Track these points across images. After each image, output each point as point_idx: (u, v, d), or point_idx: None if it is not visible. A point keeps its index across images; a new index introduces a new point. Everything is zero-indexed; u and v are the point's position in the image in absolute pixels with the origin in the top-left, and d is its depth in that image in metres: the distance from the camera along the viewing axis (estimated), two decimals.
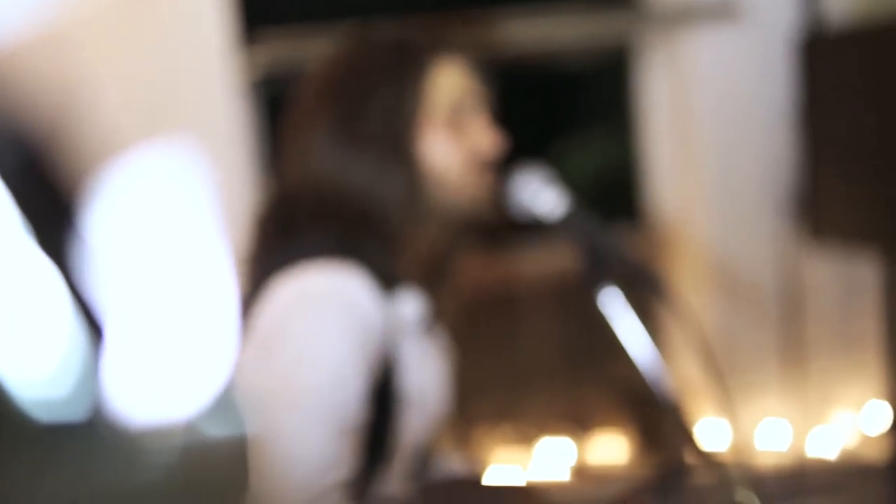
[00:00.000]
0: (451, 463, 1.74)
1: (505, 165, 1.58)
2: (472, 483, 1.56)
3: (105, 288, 0.48)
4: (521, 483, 1.73)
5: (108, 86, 2.11)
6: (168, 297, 0.52)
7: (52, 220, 0.46)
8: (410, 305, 1.50)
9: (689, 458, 1.37)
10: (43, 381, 0.44)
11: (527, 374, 3.04)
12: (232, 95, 2.49)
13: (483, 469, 1.82)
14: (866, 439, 2.88)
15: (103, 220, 0.49)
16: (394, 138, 1.50)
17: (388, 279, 1.48)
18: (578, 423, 3.00)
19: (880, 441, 2.78)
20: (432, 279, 1.60)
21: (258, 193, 2.60)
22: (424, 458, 1.60)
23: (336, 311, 1.40)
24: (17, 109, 0.46)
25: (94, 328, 0.47)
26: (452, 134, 1.53)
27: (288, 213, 1.53)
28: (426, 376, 1.54)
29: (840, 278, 2.97)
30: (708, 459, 1.35)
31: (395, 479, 1.52)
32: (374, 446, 1.46)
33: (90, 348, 0.46)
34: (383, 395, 1.47)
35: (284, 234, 1.52)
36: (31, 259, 0.44)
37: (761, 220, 2.93)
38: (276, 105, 2.61)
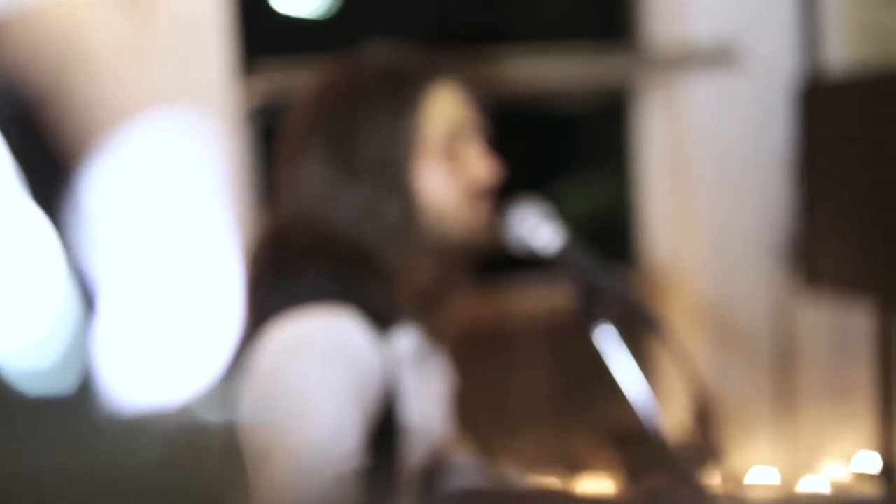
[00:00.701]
0: (465, 471, 1.72)
1: (502, 201, 1.57)
2: (488, 494, 1.55)
3: (102, 259, 0.47)
4: (540, 488, 1.69)
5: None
6: (168, 275, 0.51)
7: (49, 178, 0.45)
8: (408, 337, 1.48)
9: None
10: (29, 350, 0.42)
11: (516, 414, 3.02)
12: (229, 125, 2.49)
13: (499, 474, 1.78)
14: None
15: (103, 188, 0.48)
16: (388, 169, 1.47)
17: (384, 315, 1.46)
18: (567, 465, 2.97)
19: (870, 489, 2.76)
20: (429, 309, 1.58)
21: (254, 224, 2.59)
22: (434, 470, 1.58)
23: (331, 362, 1.38)
24: (15, 66, 0.45)
25: (87, 298, 0.46)
26: (448, 163, 1.50)
27: (281, 249, 1.52)
28: (427, 403, 1.52)
29: (833, 327, 2.96)
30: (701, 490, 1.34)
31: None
32: (379, 478, 1.44)
33: (81, 319, 0.45)
34: (386, 430, 1.45)
35: (278, 272, 1.51)
36: (25, 216, 0.43)
37: (756, 266, 2.92)
38: (272, 135, 2.62)
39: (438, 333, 1.58)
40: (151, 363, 0.49)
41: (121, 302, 0.48)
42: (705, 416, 1.52)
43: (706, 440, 1.51)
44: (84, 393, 0.45)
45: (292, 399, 1.37)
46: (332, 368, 1.38)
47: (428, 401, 1.52)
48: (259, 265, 1.53)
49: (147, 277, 0.51)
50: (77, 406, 0.45)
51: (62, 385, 0.44)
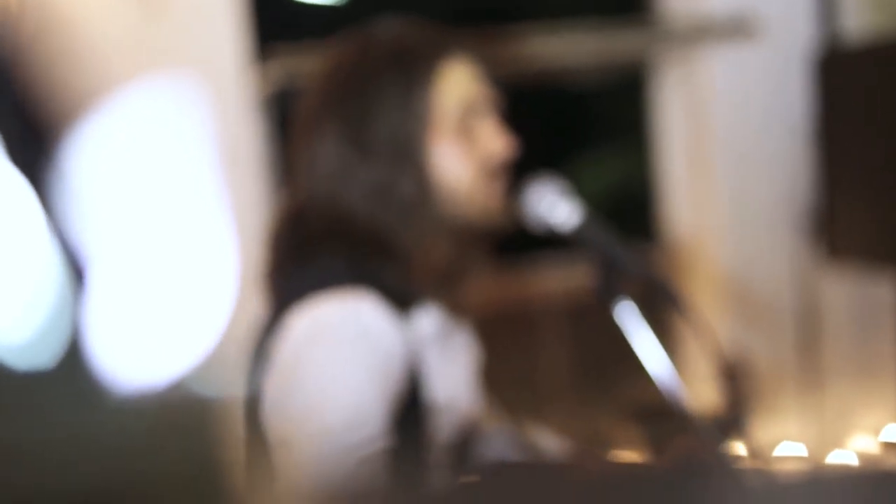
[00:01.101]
0: (499, 440, 1.73)
1: (519, 178, 1.56)
2: (522, 465, 1.55)
3: (91, 230, 0.46)
4: (575, 457, 1.69)
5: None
6: (159, 246, 0.50)
7: (33, 146, 0.45)
8: (430, 316, 1.48)
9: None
10: (11, 323, 0.42)
11: (540, 392, 3.02)
12: (247, 109, 2.49)
13: (533, 443, 1.79)
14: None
15: (91, 157, 0.47)
16: (401, 146, 1.46)
17: (403, 296, 1.46)
18: (591, 441, 2.97)
19: None
20: (449, 286, 1.58)
21: (271, 207, 2.59)
22: (468, 441, 1.58)
23: (352, 348, 1.38)
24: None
25: (76, 270, 0.45)
26: (462, 140, 1.49)
27: (298, 233, 1.52)
28: (453, 381, 1.52)
29: (857, 299, 2.94)
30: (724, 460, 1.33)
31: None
32: (409, 456, 1.45)
33: (67, 291, 0.45)
34: (412, 408, 1.45)
35: (296, 255, 1.51)
36: (6, 184, 0.43)
37: (777, 238, 2.90)
38: (288, 121, 2.63)
39: (461, 310, 1.58)
40: (142, 336, 0.49)
41: (111, 274, 0.48)
42: (736, 385, 1.51)
43: (736, 409, 1.50)
44: (71, 365, 0.45)
45: (314, 385, 1.37)
46: (353, 354, 1.38)
47: (454, 377, 1.53)
48: (277, 249, 1.54)
49: (138, 249, 0.50)
50: (63, 378, 0.45)
51: (46, 357, 0.44)
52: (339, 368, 1.38)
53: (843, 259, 2.61)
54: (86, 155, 0.49)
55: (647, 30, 2.90)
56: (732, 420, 1.50)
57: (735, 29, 2.77)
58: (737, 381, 1.52)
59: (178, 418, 0.52)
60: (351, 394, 1.36)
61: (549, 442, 1.75)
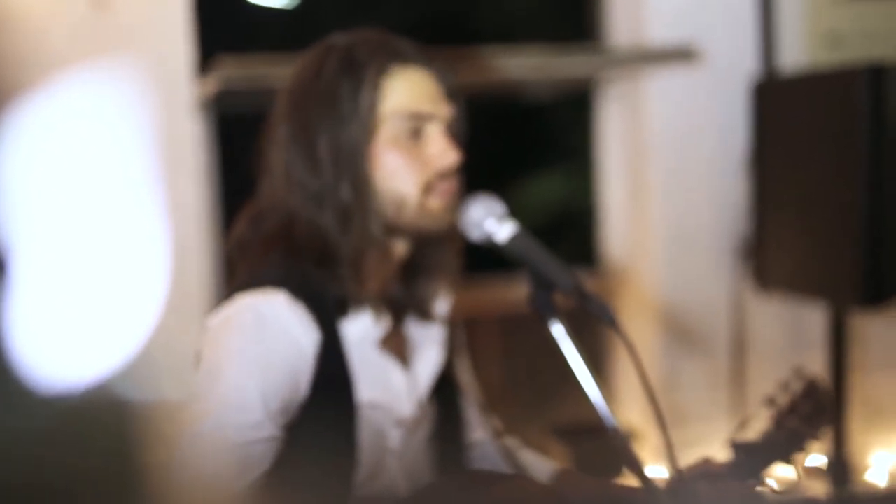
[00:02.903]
0: (484, 450, 1.78)
1: (462, 191, 1.57)
2: (494, 476, 1.57)
3: (15, 224, 0.46)
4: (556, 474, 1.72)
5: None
6: (87, 244, 0.50)
7: None
8: (365, 321, 1.50)
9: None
10: None
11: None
12: (190, 110, 2.49)
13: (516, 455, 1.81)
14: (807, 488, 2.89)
15: (17, 150, 0.47)
16: (342, 153, 1.48)
17: (337, 300, 1.48)
18: None
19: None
20: (401, 294, 1.62)
21: (212, 210, 2.59)
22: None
23: (243, 336, 1.44)
24: None
25: None
26: (406, 148, 1.51)
27: (252, 234, 1.56)
28: (392, 383, 1.54)
29: (787, 326, 3.00)
30: (652, 486, 1.35)
31: (377, 482, 1.54)
32: (340, 452, 1.49)
33: None
34: (336, 408, 1.49)
35: (247, 256, 1.55)
36: None
37: (712, 265, 2.95)
38: (227, 123, 2.65)
39: (420, 312, 1.64)
40: (67, 335, 0.49)
41: (35, 269, 0.48)
42: (816, 401, 1.54)
43: (812, 424, 1.53)
44: None
45: (205, 369, 1.44)
46: (242, 342, 1.43)
47: (393, 380, 1.54)
48: (234, 249, 1.57)
49: (65, 245, 0.50)
50: None
51: None
52: (225, 356, 1.44)
53: (772, 288, 2.66)
54: (14, 147, 0.49)
55: (593, 55, 2.94)
56: (805, 435, 1.53)
57: (677, 57, 2.83)
58: (817, 397, 1.55)
59: (97, 419, 0.52)
60: (232, 380, 1.41)
61: (535, 460, 1.78)
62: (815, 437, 1.55)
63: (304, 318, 1.45)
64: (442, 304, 1.68)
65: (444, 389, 1.68)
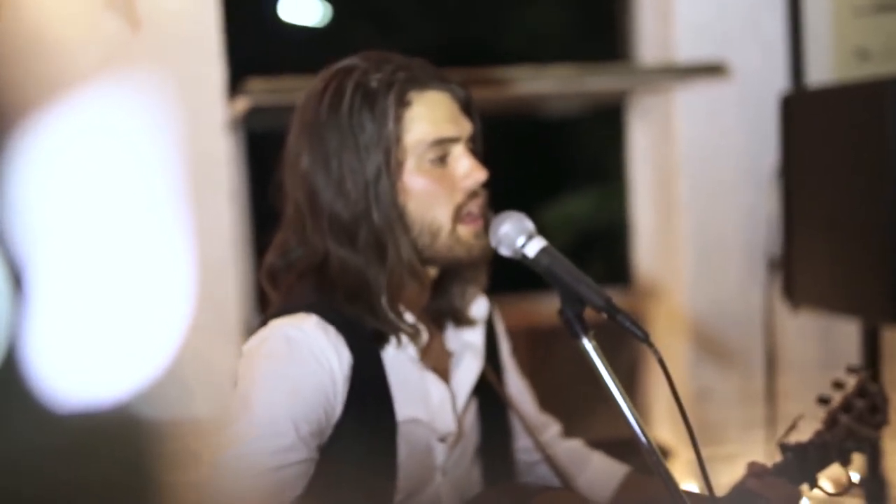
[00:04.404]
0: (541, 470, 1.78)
1: (491, 210, 1.56)
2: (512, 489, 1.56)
3: (35, 242, 0.46)
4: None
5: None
6: (109, 263, 0.50)
7: None
8: (403, 342, 1.50)
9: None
10: None
11: None
12: (220, 131, 2.52)
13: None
14: None
15: (36, 168, 0.47)
16: (370, 182, 1.46)
17: (368, 325, 1.48)
18: None
19: None
20: (435, 306, 1.63)
21: (242, 232, 2.62)
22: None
23: (274, 360, 1.45)
24: None
25: (16, 280, 0.45)
26: (433, 172, 1.50)
27: (279, 269, 1.57)
28: (427, 402, 1.53)
29: (819, 342, 2.98)
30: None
31: (421, 498, 1.55)
32: (378, 471, 1.49)
33: (6, 301, 0.44)
34: (373, 428, 1.49)
35: (279, 286, 1.57)
36: None
37: (742, 280, 2.94)
38: (257, 142, 2.69)
39: (460, 321, 1.64)
40: (86, 353, 0.49)
41: (54, 288, 0.48)
42: (874, 403, 1.53)
43: (868, 433, 1.52)
44: (5, 377, 0.45)
45: (239, 395, 1.44)
46: (272, 367, 1.44)
47: (434, 395, 1.54)
48: (265, 283, 1.58)
49: (85, 264, 0.50)
50: None
51: None
52: (256, 381, 1.44)
53: (802, 304, 2.63)
54: (45, 163, 0.49)
55: (623, 73, 2.94)
56: (861, 434, 1.52)
57: (705, 72, 2.83)
58: (871, 395, 1.54)
59: (113, 437, 0.52)
60: (263, 405, 1.41)
61: (601, 462, 1.78)
62: (870, 436, 1.52)
63: (335, 340, 1.46)
64: (479, 307, 1.67)
65: (486, 398, 1.67)
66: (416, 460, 1.53)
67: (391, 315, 1.50)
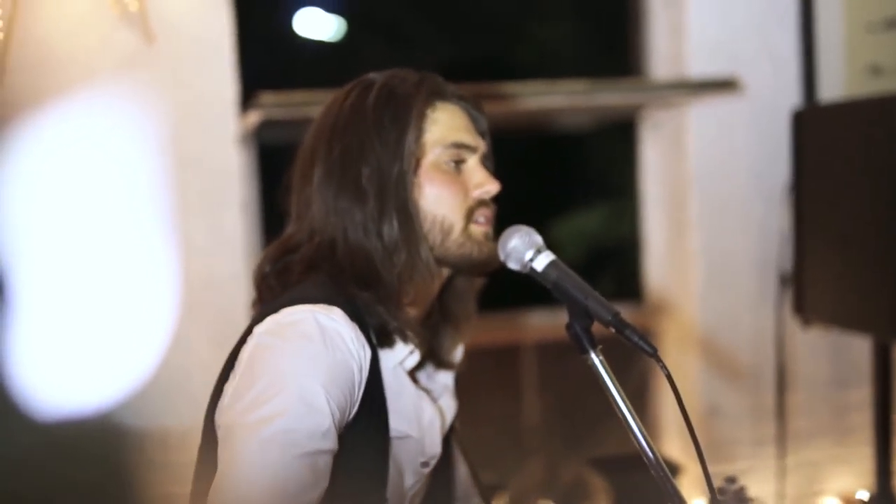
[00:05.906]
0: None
1: (502, 224, 1.57)
2: None
3: (18, 251, 0.47)
4: None
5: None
6: (94, 274, 0.51)
7: None
8: (406, 350, 1.50)
9: None
10: None
11: (508, 439, 3.03)
12: (231, 144, 2.53)
13: None
14: None
15: (20, 178, 0.48)
16: (387, 186, 1.49)
17: (379, 325, 1.48)
18: (556, 493, 2.97)
19: None
20: (441, 323, 1.63)
21: (252, 236, 2.63)
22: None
23: (305, 343, 1.40)
24: None
25: None
26: (447, 179, 1.53)
27: (287, 263, 1.55)
28: (419, 419, 1.53)
29: (830, 359, 2.97)
30: None
31: None
32: (366, 475, 1.47)
33: None
34: (368, 435, 1.47)
35: (282, 282, 1.54)
36: None
37: (753, 296, 2.94)
38: (268, 155, 2.70)
39: (441, 363, 1.65)
40: (70, 363, 0.50)
41: (39, 297, 0.49)
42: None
43: None
44: None
45: (267, 375, 1.38)
46: (310, 349, 1.39)
47: (426, 414, 1.54)
48: (265, 277, 1.56)
49: (70, 274, 0.51)
50: None
51: None
52: (292, 361, 1.39)
53: (814, 321, 2.62)
54: (14, 175, 0.50)
55: (634, 86, 2.94)
56: None
57: (718, 88, 2.83)
58: None
59: (93, 445, 0.52)
60: (303, 384, 1.36)
61: None
62: None
63: (359, 335, 1.44)
64: (458, 353, 1.69)
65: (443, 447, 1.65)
66: (393, 482, 1.52)
67: (396, 310, 1.50)
